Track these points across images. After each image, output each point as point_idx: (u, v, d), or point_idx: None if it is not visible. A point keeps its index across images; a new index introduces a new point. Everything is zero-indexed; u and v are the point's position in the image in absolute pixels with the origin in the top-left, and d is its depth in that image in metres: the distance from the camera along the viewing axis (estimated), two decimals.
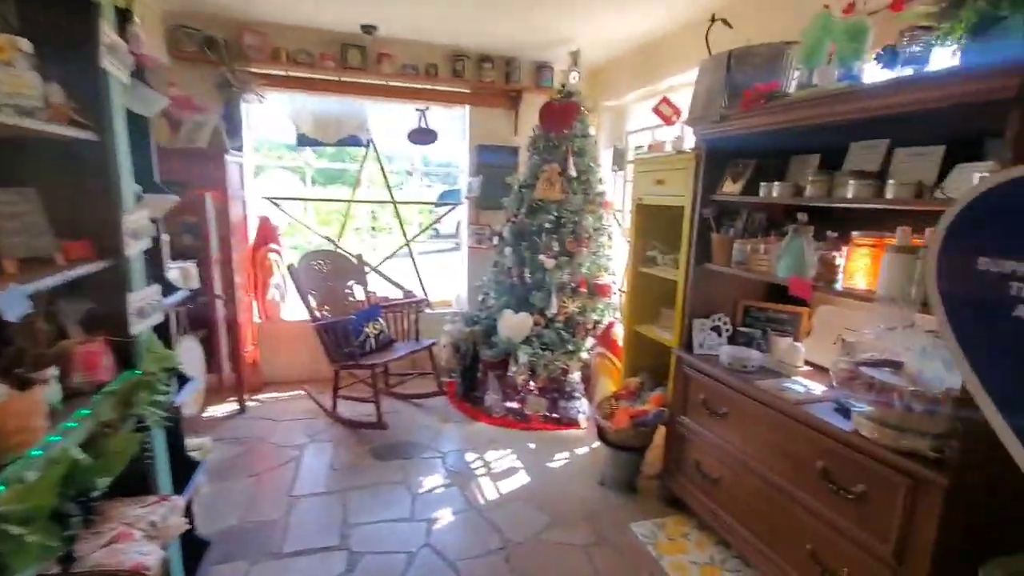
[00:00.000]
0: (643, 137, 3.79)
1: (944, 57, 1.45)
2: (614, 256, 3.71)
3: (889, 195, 1.61)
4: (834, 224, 1.92)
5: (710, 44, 2.33)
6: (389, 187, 4.30)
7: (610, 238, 3.67)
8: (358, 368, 3.13)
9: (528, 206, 3.45)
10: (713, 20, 2.32)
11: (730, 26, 2.30)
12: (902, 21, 1.53)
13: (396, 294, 4.10)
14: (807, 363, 2.19)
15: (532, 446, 3.06)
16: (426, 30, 3.56)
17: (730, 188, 2.24)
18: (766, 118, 1.94)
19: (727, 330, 2.37)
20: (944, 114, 1.49)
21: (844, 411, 1.73)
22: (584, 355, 3.36)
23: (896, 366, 1.63)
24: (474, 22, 3.34)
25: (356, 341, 3.23)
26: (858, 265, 1.71)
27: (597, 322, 3.47)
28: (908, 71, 1.52)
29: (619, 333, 3.41)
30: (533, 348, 3.27)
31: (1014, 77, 1.21)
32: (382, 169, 4.23)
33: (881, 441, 1.51)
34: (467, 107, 4.07)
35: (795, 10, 2.17)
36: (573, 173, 3.39)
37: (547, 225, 3.39)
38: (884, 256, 1.61)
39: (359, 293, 3.62)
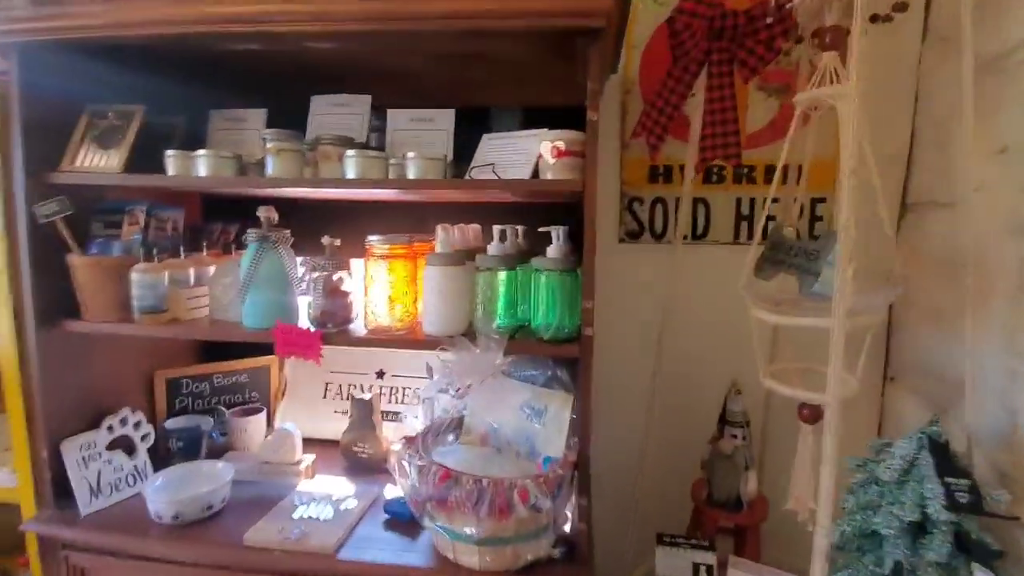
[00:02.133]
0: None
1: None
2: None
3: (411, 173, 1.01)
4: (307, 226, 1.18)
5: None
6: None
7: None
8: None
9: None
10: None
11: None
12: None
13: None
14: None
15: None
16: None
17: (97, 161, 1.08)
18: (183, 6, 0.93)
19: (146, 438, 1.23)
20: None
21: (402, 517, 1.07)
22: None
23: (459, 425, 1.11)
24: None
25: None
26: (383, 290, 1.05)
27: None
28: None
29: None
30: None
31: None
32: None
33: (495, 567, 0.94)
34: None
35: None
36: None
37: None
38: (427, 272, 1.02)
39: None
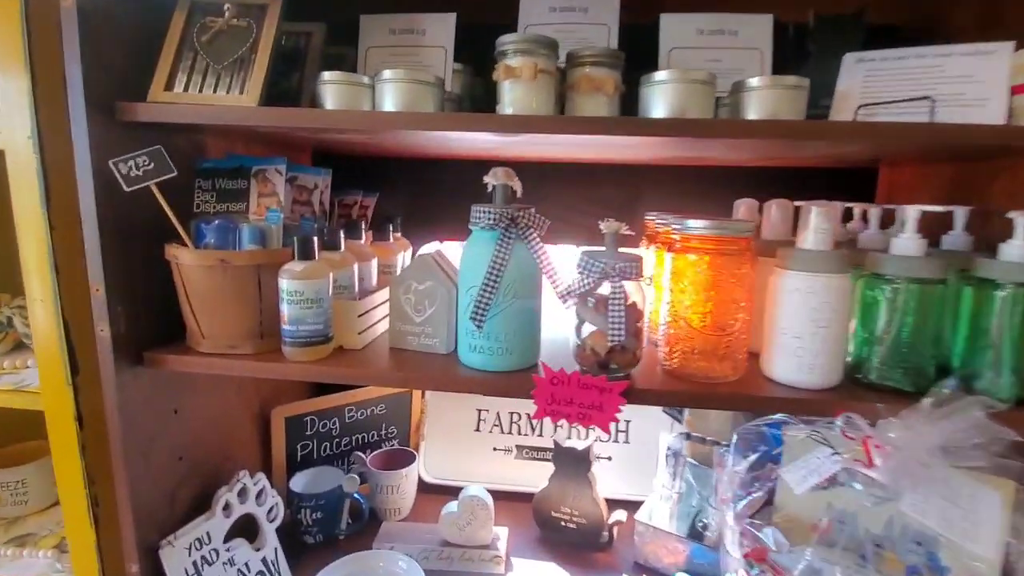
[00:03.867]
0: None
1: None
2: None
3: (753, 111, 0.61)
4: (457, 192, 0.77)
5: None
6: None
7: None
8: None
9: None
10: None
11: None
12: None
13: None
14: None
15: None
16: None
17: (212, 87, 0.64)
18: None
19: (273, 513, 0.82)
20: None
21: None
22: None
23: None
24: None
25: None
26: (704, 308, 0.65)
27: None
28: None
29: None
30: None
31: None
32: None
33: None
34: None
35: None
36: None
37: None
38: (788, 283, 0.62)
39: None
